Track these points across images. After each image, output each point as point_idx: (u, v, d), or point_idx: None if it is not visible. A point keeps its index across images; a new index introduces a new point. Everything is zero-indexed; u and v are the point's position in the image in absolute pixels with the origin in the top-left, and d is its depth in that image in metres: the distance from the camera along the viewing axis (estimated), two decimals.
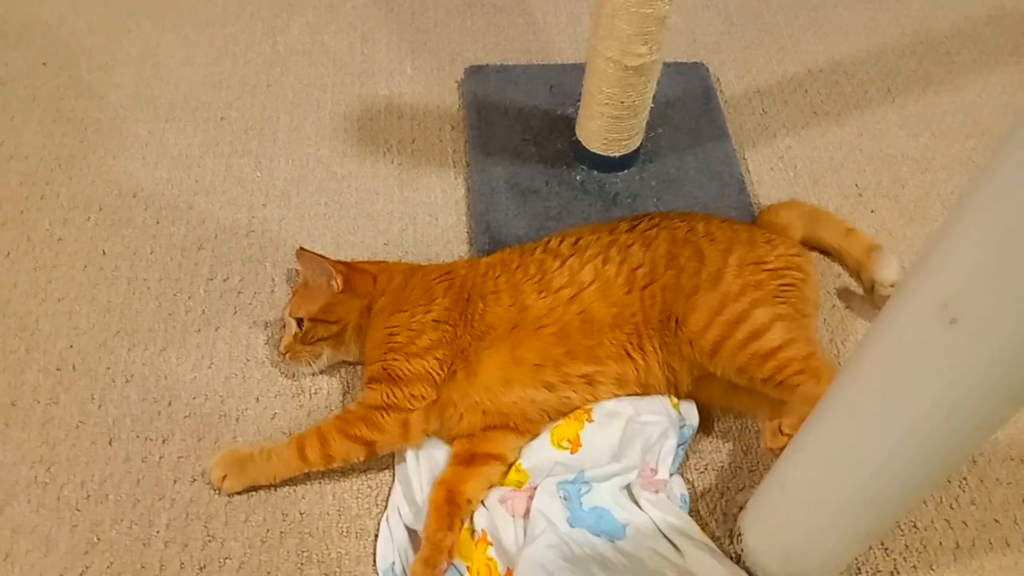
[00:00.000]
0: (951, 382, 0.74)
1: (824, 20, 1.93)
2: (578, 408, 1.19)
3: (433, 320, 1.20)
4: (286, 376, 1.30)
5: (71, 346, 1.32)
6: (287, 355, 1.26)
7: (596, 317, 1.18)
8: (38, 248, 1.44)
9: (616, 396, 1.20)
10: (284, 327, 1.29)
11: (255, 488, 1.18)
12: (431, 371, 1.17)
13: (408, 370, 1.17)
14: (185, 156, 1.60)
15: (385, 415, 1.15)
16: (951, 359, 0.72)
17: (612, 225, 1.29)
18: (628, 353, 1.18)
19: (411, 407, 1.16)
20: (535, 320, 1.19)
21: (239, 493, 1.17)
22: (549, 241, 1.28)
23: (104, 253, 1.43)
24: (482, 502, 1.14)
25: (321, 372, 1.30)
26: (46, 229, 1.47)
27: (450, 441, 1.20)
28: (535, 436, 1.19)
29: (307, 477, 1.19)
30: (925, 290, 0.73)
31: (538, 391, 1.17)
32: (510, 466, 1.17)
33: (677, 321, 1.18)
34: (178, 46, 1.80)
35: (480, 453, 1.16)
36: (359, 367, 1.31)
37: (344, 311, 1.25)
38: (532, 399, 1.17)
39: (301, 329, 1.25)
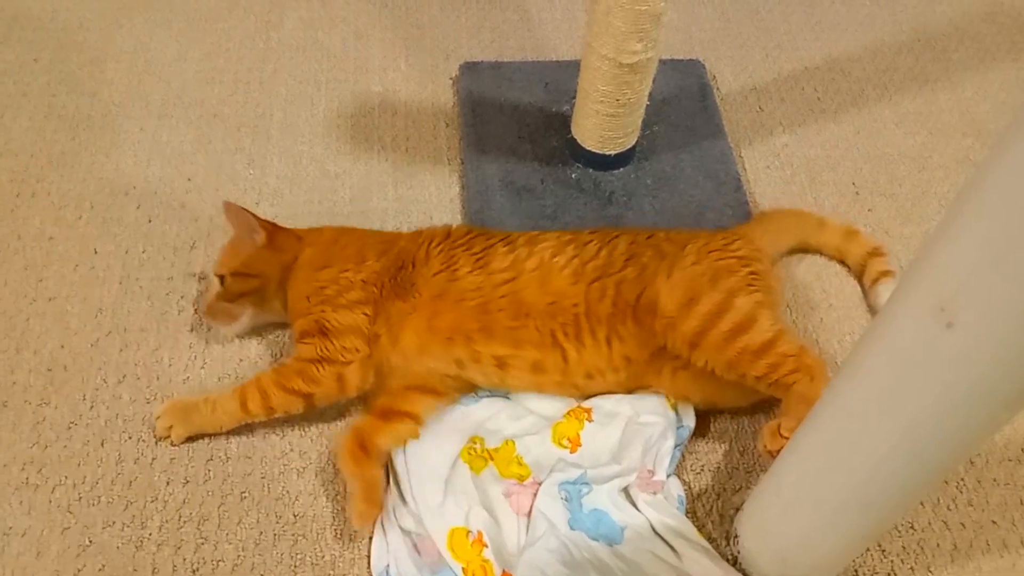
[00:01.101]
0: (948, 385, 0.73)
1: (821, 16, 1.92)
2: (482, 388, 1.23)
3: (362, 280, 1.22)
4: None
5: (62, 346, 1.31)
6: (207, 313, 1.28)
7: (526, 301, 1.18)
8: (29, 247, 1.43)
9: (528, 384, 1.20)
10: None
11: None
12: (361, 325, 1.20)
13: (339, 322, 1.19)
14: (178, 153, 1.58)
15: (320, 368, 1.18)
16: (948, 362, 0.71)
17: (581, 231, 1.29)
18: (558, 341, 1.18)
19: (344, 360, 1.18)
20: (459, 292, 1.19)
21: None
22: (512, 235, 1.28)
23: (96, 252, 1.42)
24: (484, 507, 1.13)
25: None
26: (37, 227, 1.45)
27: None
28: (454, 401, 1.22)
29: (300, 476, 1.19)
30: (922, 292, 0.72)
31: (448, 365, 1.19)
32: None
33: (652, 312, 1.16)
34: (170, 42, 1.78)
35: (397, 411, 1.18)
36: None
37: (265, 265, 1.27)
38: (443, 372, 1.19)
39: (223, 286, 1.26)
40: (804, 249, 1.46)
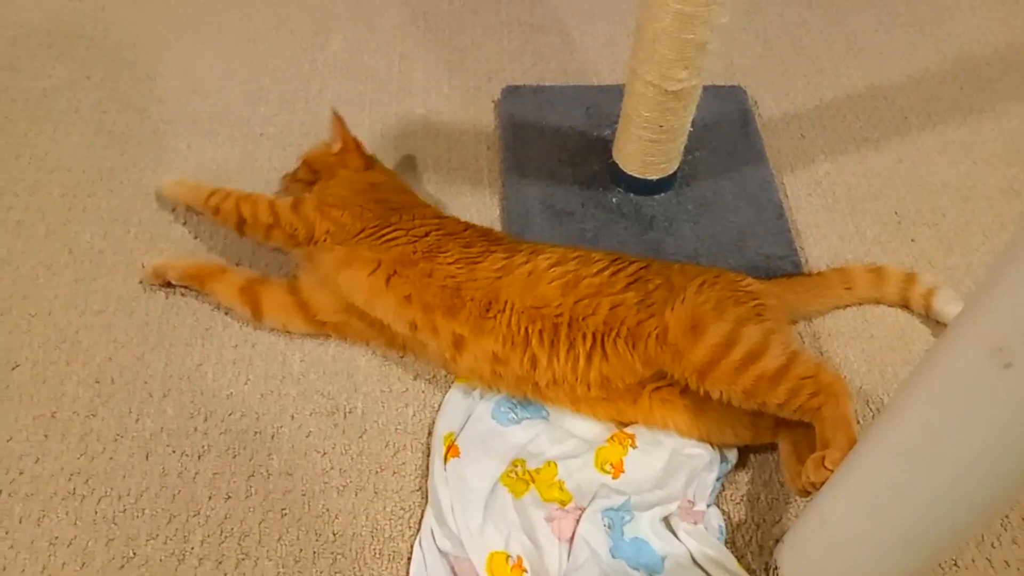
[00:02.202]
0: (1003, 425, 0.72)
1: (863, 44, 1.92)
2: (428, 357, 1.29)
3: (351, 217, 1.33)
4: (322, 395, 1.31)
5: (110, 359, 1.34)
6: (280, 182, 1.54)
7: (505, 299, 1.20)
8: (79, 260, 1.46)
9: (480, 372, 1.22)
10: None
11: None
12: (316, 226, 1.33)
13: (308, 211, 1.35)
14: (224, 171, 1.61)
15: (266, 212, 1.37)
16: (1005, 402, 0.71)
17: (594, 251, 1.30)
18: (530, 344, 1.18)
19: (283, 228, 1.35)
20: (428, 269, 1.24)
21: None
22: (522, 244, 1.31)
23: (143, 266, 1.45)
24: (524, 531, 1.13)
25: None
26: (87, 241, 1.48)
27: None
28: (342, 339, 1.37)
29: (340, 495, 1.20)
30: (978, 332, 0.72)
31: (400, 323, 1.24)
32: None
33: (661, 341, 1.16)
34: (218, 61, 1.82)
35: (303, 302, 1.34)
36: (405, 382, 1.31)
37: (325, 168, 1.46)
38: (394, 322, 1.25)
39: (296, 168, 1.50)
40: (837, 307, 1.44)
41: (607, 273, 1.22)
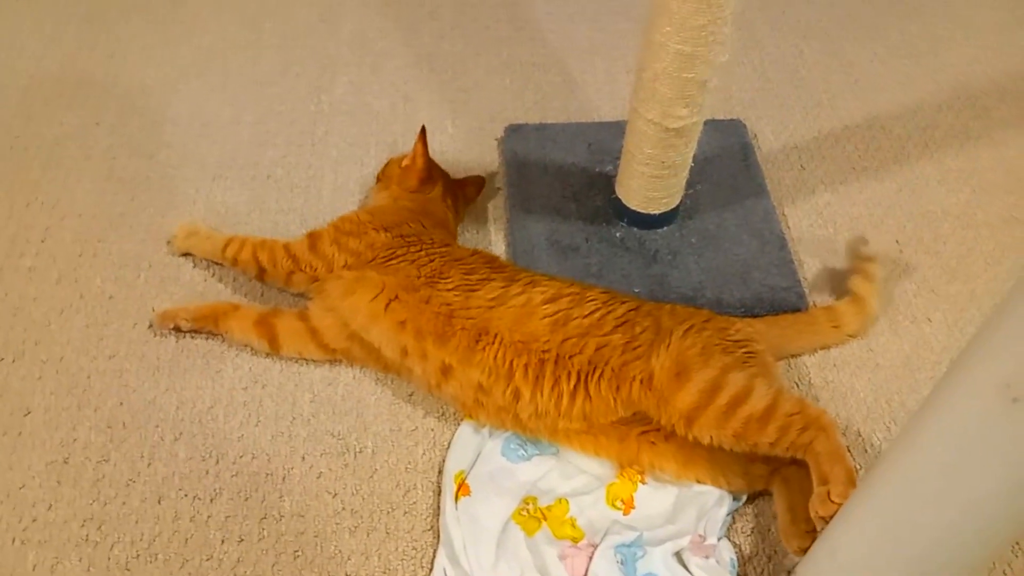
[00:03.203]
0: (1013, 461, 0.73)
1: (860, 75, 1.94)
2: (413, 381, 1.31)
3: (366, 245, 1.37)
4: (332, 435, 1.32)
5: (121, 403, 1.35)
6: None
7: (494, 330, 1.22)
8: (90, 305, 1.47)
9: (463, 401, 1.25)
10: None
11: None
12: (334, 261, 1.38)
13: (324, 248, 1.39)
14: (233, 214, 1.63)
15: (286, 259, 1.41)
16: (1013, 438, 0.71)
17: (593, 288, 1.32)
18: (514, 377, 1.20)
19: (304, 271, 1.40)
20: (427, 295, 1.26)
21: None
22: (521, 273, 1.33)
23: (153, 310, 1.46)
24: (538, 570, 1.13)
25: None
26: (98, 286, 1.50)
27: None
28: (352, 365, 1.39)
29: (352, 535, 1.20)
30: (986, 368, 0.72)
31: (392, 349, 1.27)
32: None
33: (646, 386, 1.17)
34: (225, 105, 1.85)
35: (314, 328, 1.36)
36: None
37: (385, 176, 1.56)
38: (386, 347, 1.27)
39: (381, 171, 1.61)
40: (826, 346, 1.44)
41: (597, 315, 1.24)
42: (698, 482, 1.20)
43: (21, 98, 1.84)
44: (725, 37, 1.25)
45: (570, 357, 1.19)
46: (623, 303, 1.27)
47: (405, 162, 1.52)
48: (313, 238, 1.41)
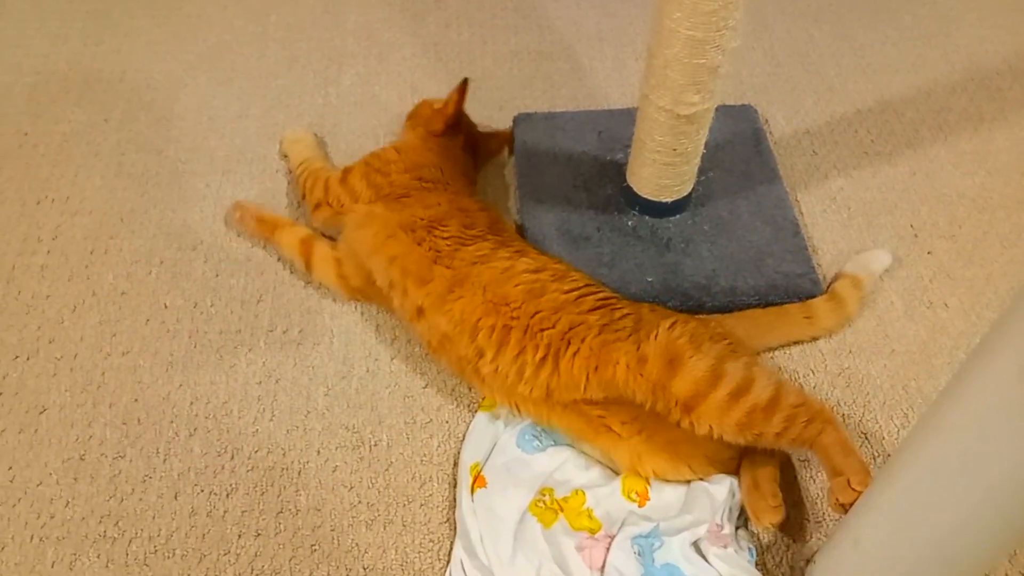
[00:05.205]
0: None
1: (871, 59, 1.92)
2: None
3: (390, 183, 1.43)
4: (346, 428, 1.31)
5: (136, 399, 1.35)
6: None
7: (464, 284, 1.24)
8: (103, 302, 1.47)
9: (430, 345, 1.29)
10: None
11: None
12: (361, 195, 1.44)
13: (355, 182, 1.46)
14: None
15: (321, 189, 1.50)
16: None
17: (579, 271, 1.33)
18: (475, 330, 1.21)
19: (331, 204, 1.48)
20: (420, 237, 1.31)
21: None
22: (525, 247, 1.36)
23: (166, 306, 1.46)
24: (555, 562, 1.13)
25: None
26: (110, 283, 1.50)
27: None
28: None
29: (369, 528, 1.20)
30: (1007, 352, 0.72)
31: (383, 279, 1.32)
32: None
33: (637, 372, 1.15)
34: (233, 99, 1.84)
35: (341, 267, 1.43)
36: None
37: (417, 115, 1.61)
38: (378, 277, 1.32)
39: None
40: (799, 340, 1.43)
41: (575, 294, 1.23)
42: (655, 475, 1.19)
43: (29, 96, 1.83)
44: (736, 22, 1.24)
45: (541, 331, 1.19)
46: (603, 290, 1.27)
47: (437, 105, 1.56)
48: (346, 172, 1.49)
